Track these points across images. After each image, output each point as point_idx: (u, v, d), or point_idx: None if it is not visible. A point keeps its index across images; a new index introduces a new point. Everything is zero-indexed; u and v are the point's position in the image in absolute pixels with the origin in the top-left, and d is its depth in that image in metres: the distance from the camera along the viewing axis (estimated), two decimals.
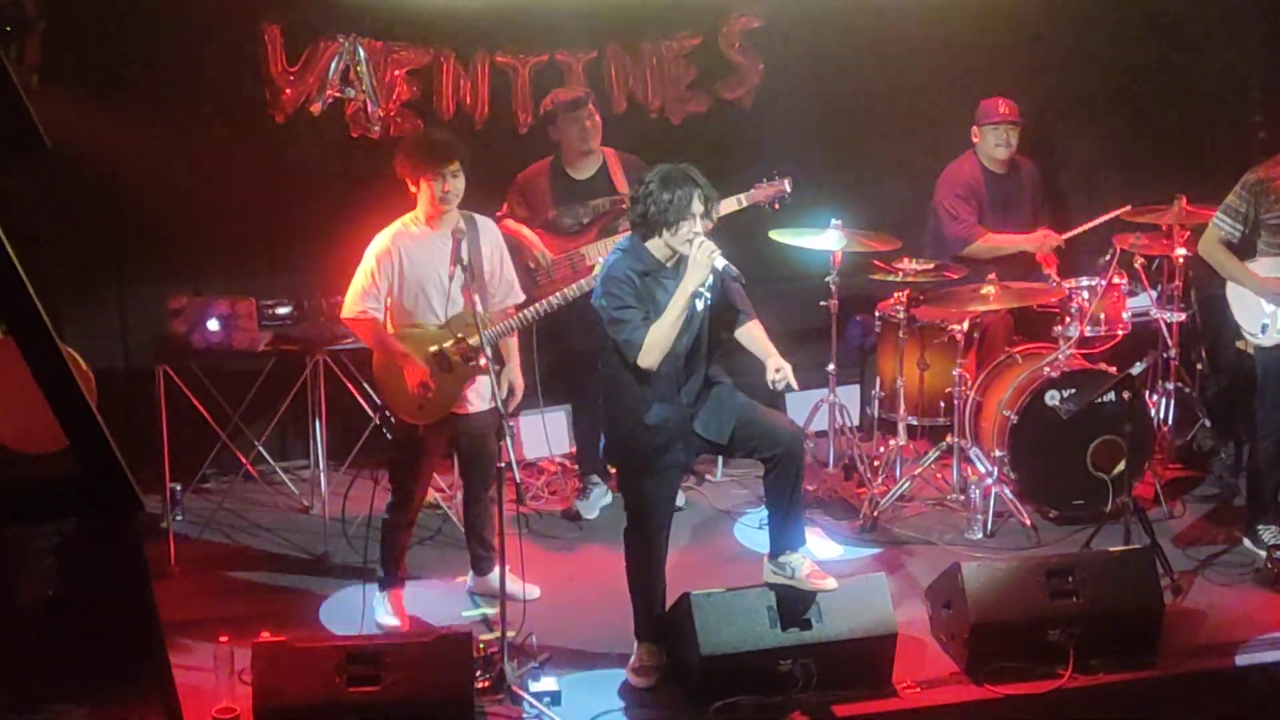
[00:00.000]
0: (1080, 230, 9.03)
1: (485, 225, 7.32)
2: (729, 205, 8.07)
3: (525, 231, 8.23)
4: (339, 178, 8.81)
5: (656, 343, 6.42)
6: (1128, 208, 8.84)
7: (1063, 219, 9.28)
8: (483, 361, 7.02)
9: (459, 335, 7.14)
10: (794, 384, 6.47)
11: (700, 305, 6.56)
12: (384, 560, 7.43)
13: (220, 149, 8.65)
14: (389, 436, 7.56)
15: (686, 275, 6.41)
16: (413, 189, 7.14)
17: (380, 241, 7.14)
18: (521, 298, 7.46)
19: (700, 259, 6.37)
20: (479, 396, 7.27)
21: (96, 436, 3.18)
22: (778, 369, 6.47)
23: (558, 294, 7.58)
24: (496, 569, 7.41)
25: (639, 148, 8.49)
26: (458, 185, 7.11)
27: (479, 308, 7.00)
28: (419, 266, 7.13)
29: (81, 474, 3.20)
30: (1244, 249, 7.88)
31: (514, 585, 6.98)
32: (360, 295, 7.12)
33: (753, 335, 6.71)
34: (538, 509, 8.62)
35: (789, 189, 8.26)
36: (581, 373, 8.17)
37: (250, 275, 8.69)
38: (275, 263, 8.77)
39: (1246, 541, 8.00)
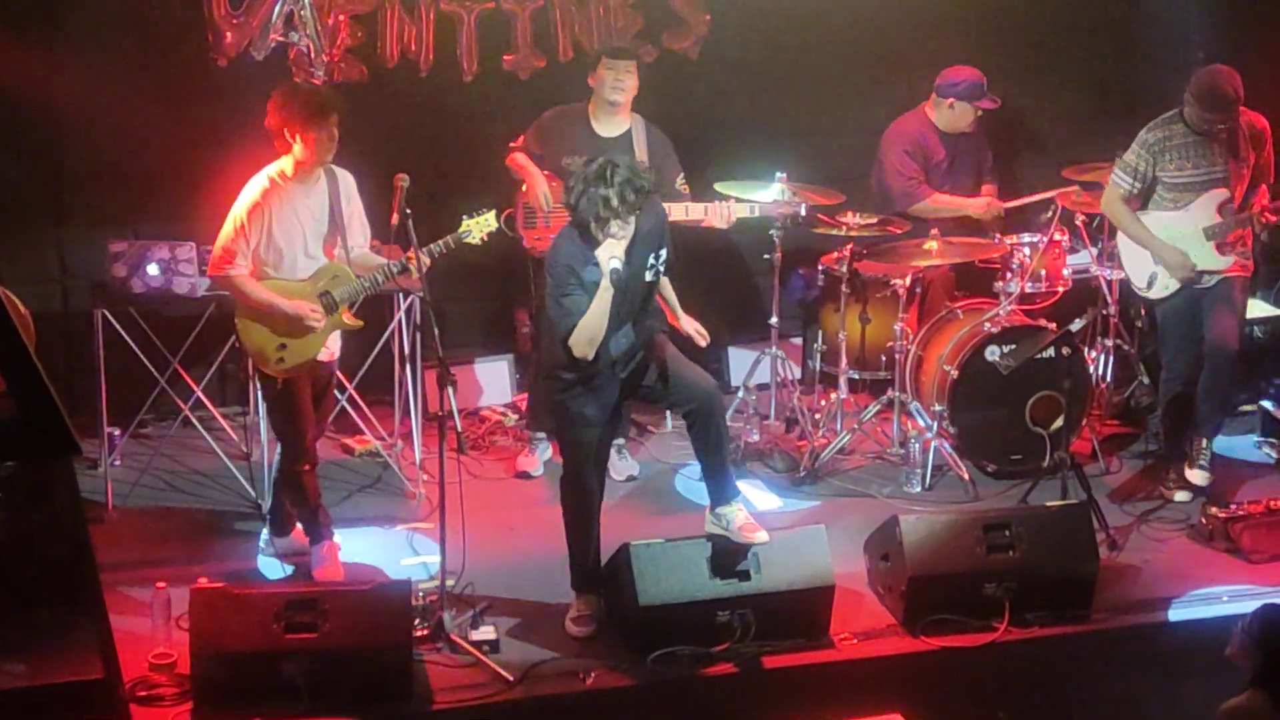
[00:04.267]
0: (1023, 202, 9.04)
1: (344, 176, 7.20)
2: (741, 209, 8.10)
3: (533, 170, 8.10)
4: None
5: (584, 337, 6.52)
6: (1075, 188, 8.85)
7: (1005, 176, 9.30)
8: (346, 316, 7.11)
9: (325, 289, 7.10)
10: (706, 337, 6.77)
11: (649, 275, 6.67)
12: (301, 516, 7.40)
13: (162, 92, 8.57)
14: (260, 391, 7.45)
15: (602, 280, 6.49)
16: (288, 140, 6.99)
17: (250, 196, 7.03)
18: (368, 234, 7.36)
19: (601, 257, 6.47)
20: (337, 345, 7.31)
21: (34, 379, 3.15)
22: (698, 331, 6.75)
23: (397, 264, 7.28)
24: (295, 529, 7.49)
25: (584, 97, 8.45)
26: (335, 139, 7.01)
27: (344, 257, 7.06)
28: (286, 220, 7.04)
29: (18, 417, 3.17)
30: (1140, 203, 8.05)
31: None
32: (226, 251, 7.01)
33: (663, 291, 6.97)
34: (481, 460, 8.61)
35: (804, 214, 8.28)
36: (535, 329, 8.09)
37: (190, 220, 8.59)
38: (216, 208, 8.64)
39: (1178, 495, 8.13)
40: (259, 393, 7.57)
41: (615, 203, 6.37)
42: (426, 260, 7.06)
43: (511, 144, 8.17)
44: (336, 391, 7.83)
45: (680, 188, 8.14)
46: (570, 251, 6.56)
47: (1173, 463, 8.24)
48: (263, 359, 7.12)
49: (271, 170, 7.06)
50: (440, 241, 7.24)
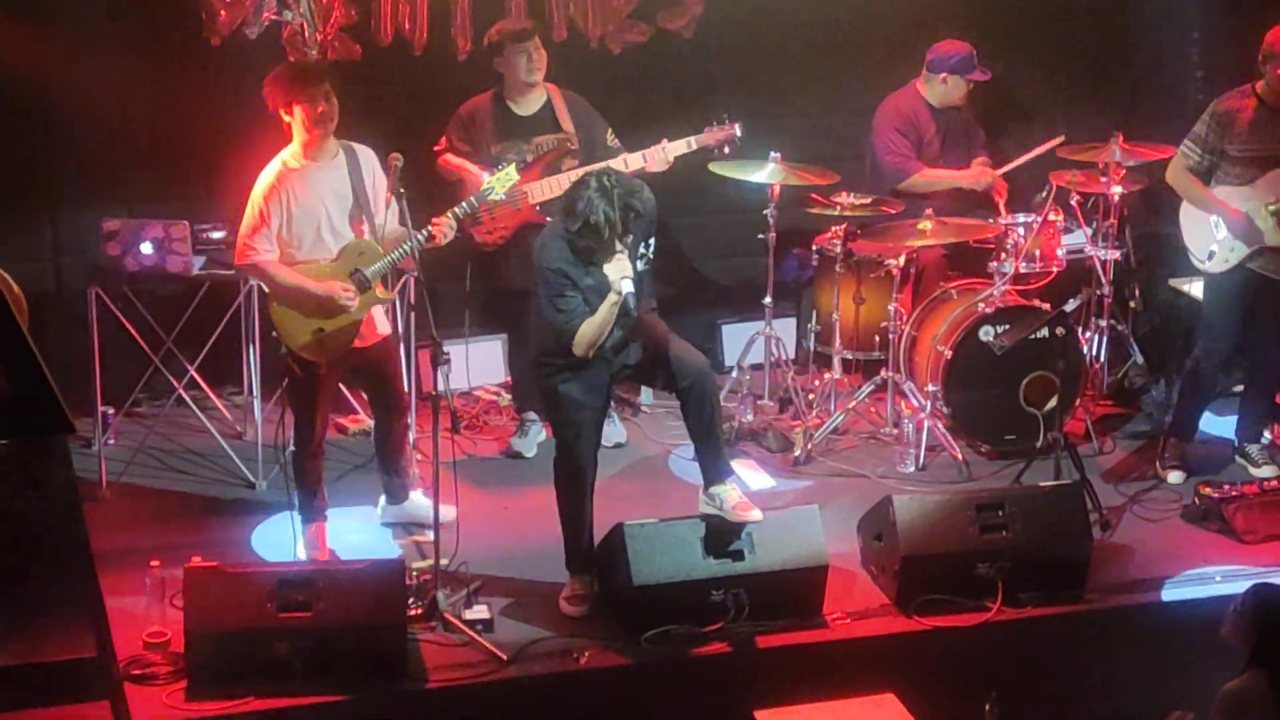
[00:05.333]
0: (1015, 164, 9.05)
1: (365, 153, 7.19)
2: (677, 148, 8.05)
3: (469, 166, 8.08)
4: None
5: (586, 339, 6.55)
6: (1061, 138, 8.87)
7: (999, 157, 9.28)
8: (379, 291, 7.08)
9: (355, 267, 7.10)
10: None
11: (641, 265, 6.67)
12: (300, 494, 7.39)
13: (155, 71, 8.55)
14: (293, 372, 7.45)
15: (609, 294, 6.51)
16: (286, 118, 7.01)
17: (265, 181, 7.03)
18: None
19: (612, 277, 6.48)
20: (371, 328, 7.25)
21: (27, 358, 3.15)
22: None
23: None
24: (412, 495, 7.44)
25: (579, 78, 8.44)
26: (331, 108, 7.01)
27: (369, 236, 7.02)
28: (305, 201, 7.04)
29: (12, 395, 3.17)
30: (1204, 178, 7.97)
31: (428, 508, 6.95)
32: (251, 239, 7.01)
33: None
34: (474, 440, 8.61)
35: (739, 134, 8.21)
36: (518, 308, 8.06)
37: (184, 199, 8.60)
38: (210, 187, 8.67)
39: (1171, 476, 8.14)
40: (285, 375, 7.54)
41: (619, 226, 6.40)
42: (453, 223, 7.12)
43: (435, 147, 8.13)
44: None
45: (611, 143, 8.15)
46: (563, 254, 6.56)
47: (1173, 437, 8.23)
48: (301, 345, 7.09)
49: (284, 153, 7.08)
50: (465, 202, 7.28)
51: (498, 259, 8.07)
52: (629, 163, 7.94)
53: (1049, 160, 8.95)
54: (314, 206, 7.06)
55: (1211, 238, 7.94)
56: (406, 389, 7.84)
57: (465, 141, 8.18)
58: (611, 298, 6.48)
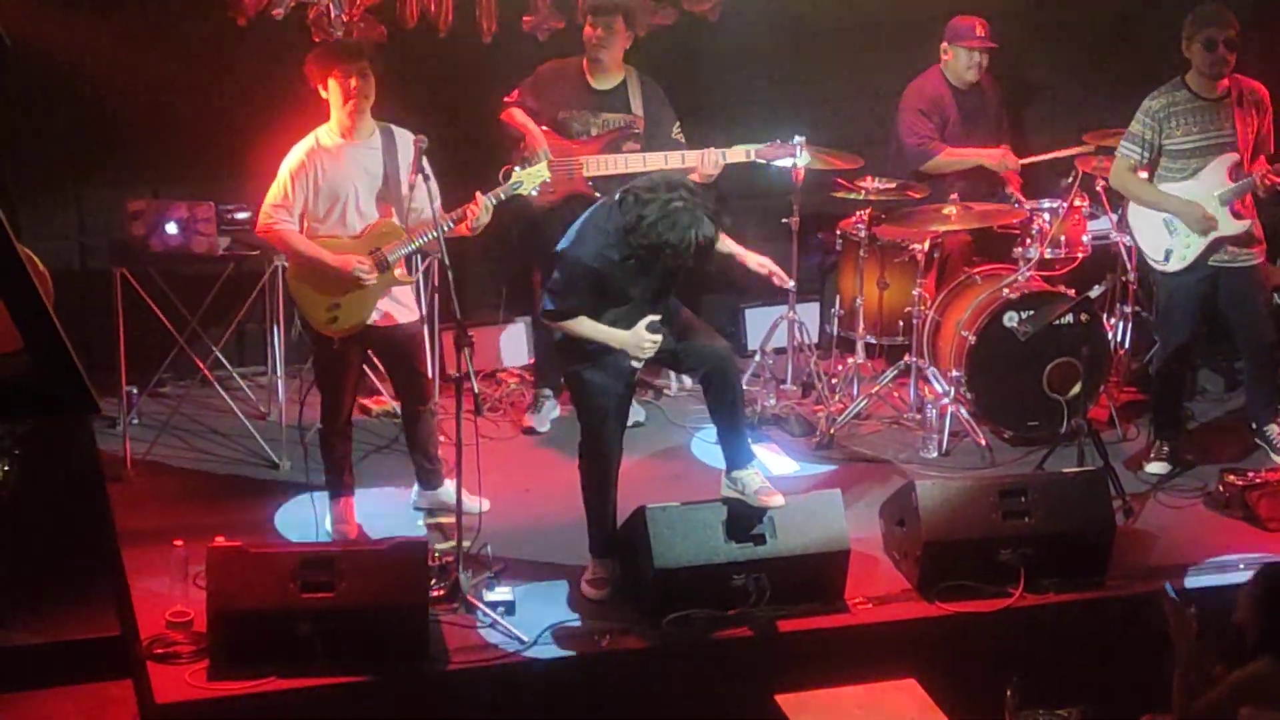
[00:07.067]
0: (1036, 160, 9.03)
1: (404, 137, 7.21)
2: (735, 155, 8.07)
3: (532, 126, 8.09)
4: (300, 82, 8.70)
5: (569, 330, 6.61)
6: (1090, 146, 8.86)
7: (1021, 144, 9.26)
8: (398, 272, 7.10)
9: (376, 247, 7.11)
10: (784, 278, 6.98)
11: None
12: (326, 471, 7.42)
13: (181, 51, 8.57)
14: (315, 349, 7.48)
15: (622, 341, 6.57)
16: (324, 94, 7.10)
17: (295, 155, 7.10)
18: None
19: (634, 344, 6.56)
20: (400, 309, 7.26)
21: (52, 338, 3.16)
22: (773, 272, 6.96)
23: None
24: (445, 483, 7.45)
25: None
26: (366, 86, 7.06)
27: (396, 220, 7.05)
28: (335, 179, 7.09)
29: (37, 375, 3.18)
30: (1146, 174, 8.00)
31: (465, 499, 6.97)
32: (273, 207, 7.09)
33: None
34: (498, 422, 8.61)
35: (800, 155, 8.21)
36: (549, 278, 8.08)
37: (209, 179, 8.61)
38: (235, 167, 8.68)
39: (1151, 466, 8.16)
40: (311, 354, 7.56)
41: (685, 256, 6.36)
42: (489, 206, 7.19)
43: (505, 98, 8.16)
44: None
45: (676, 136, 8.17)
46: (603, 255, 6.50)
47: (1159, 439, 8.22)
48: (316, 320, 7.15)
49: (319, 130, 7.15)
50: (492, 193, 7.29)
51: (541, 220, 8.07)
52: (685, 159, 7.95)
53: (1074, 146, 8.93)
54: (342, 184, 7.10)
55: (1165, 238, 7.93)
56: (431, 375, 7.83)
57: (535, 99, 8.19)
58: (617, 339, 6.55)
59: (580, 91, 8.20)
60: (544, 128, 8.09)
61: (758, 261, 7.18)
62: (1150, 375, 8.52)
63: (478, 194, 7.20)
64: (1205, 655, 5.85)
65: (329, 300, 7.11)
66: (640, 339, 6.52)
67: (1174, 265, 7.97)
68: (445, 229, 7.00)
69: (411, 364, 7.40)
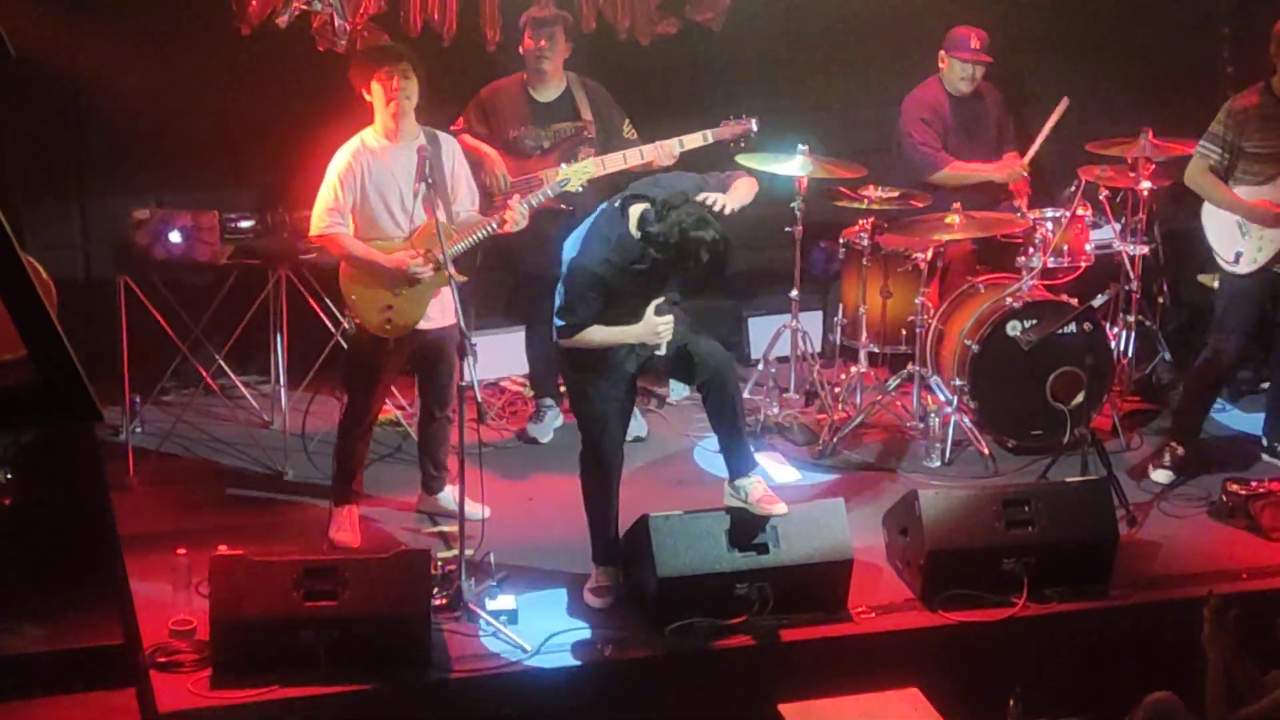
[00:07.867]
0: (1038, 144, 8.97)
1: (446, 140, 7.31)
2: (693, 140, 8.05)
3: (487, 149, 8.10)
4: (304, 91, 8.74)
5: (583, 340, 6.57)
6: (1065, 102, 8.80)
7: (1025, 146, 9.26)
8: (448, 272, 7.06)
9: (425, 249, 7.13)
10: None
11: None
12: (336, 475, 7.44)
13: (185, 60, 8.58)
14: (347, 347, 7.50)
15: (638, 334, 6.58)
16: (367, 96, 7.14)
17: (341, 158, 7.14)
18: (475, 197, 7.46)
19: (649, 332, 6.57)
20: (439, 312, 7.26)
21: (56, 345, 3.15)
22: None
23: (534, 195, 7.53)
24: (447, 489, 7.46)
25: (607, 69, 8.44)
26: (409, 87, 7.11)
27: (442, 220, 7.02)
28: (380, 181, 7.13)
29: (40, 383, 3.18)
30: (1223, 178, 7.94)
31: (466, 506, 6.97)
32: (326, 211, 7.12)
33: None
34: (499, 429, 8.59)
35: (755, 129, 8.20)
36: (534, 295, 8.06)
37: (213, 188, 8.63)
38: (239, 176, 8.71)
39: (1157, 474, 8.12)
40: (345, 347, 7.59)
41: (689, 267, 6.36)
42: (525, 209, 7.29)
43: (451, 127, 8.14)
44: None
45: (628, 134, 8.19)
46: (608, 261, 6.50)
47: (1173, 441, 8.19)
48: (370, 321, 7.18)
49: (364, 132, 7.20)
50: (539, 191, 7.31)
51: (511, 243, 8.06)
52: (644, 154, 7.96)
53: (1077, 155, 8.92)
54: (387, 186, 7.15)
55: (1238, 240, 7.91)
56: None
57: (483, 123, 8.21)
58: (642, 342, 6.56)
59: (525, 107, 8.21)
60: (499, 150, 8.10)
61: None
62: (1179, 378, 8.42)
63: (511, 199, 7.31)
64: (1241, 661, 5.88)
65: (383, 301, 7.15)
66: (653, 326, 6.54)
67: (1244, 267, 7.94)
68: (489, 230, 7.14)
69: (448, 368, 7.36)
